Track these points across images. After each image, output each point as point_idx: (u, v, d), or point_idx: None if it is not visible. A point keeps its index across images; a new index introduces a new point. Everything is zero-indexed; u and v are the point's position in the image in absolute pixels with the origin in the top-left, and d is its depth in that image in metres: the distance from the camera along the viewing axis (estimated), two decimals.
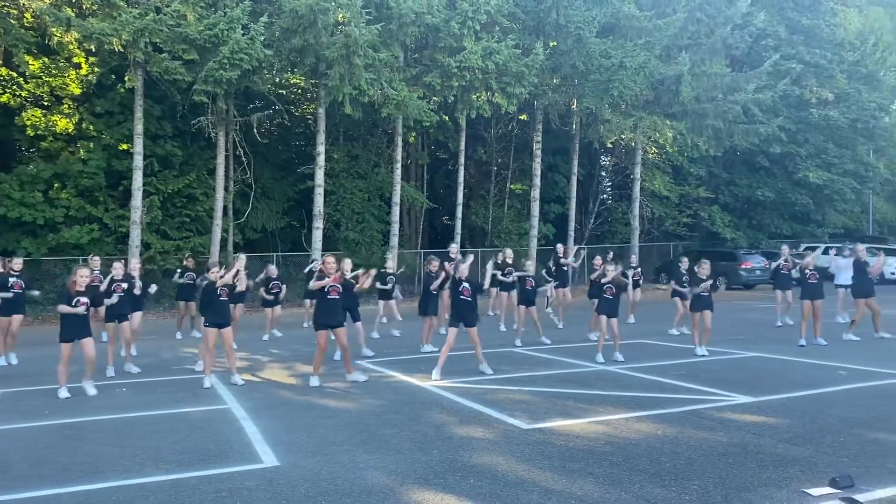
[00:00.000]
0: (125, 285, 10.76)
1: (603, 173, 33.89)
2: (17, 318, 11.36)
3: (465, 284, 9.66)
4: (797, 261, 13.82)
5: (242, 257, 10.28)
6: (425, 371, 9.69)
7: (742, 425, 6.66)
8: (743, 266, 27.52)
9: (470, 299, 9.65)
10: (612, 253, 16.08)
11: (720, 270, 28.60)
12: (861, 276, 12.65)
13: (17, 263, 11.56)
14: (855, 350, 11.24)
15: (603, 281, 10.99)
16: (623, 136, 28.37)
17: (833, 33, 34.76)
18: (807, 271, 12.30)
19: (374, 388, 8.92)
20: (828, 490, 4.83)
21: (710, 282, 11.36)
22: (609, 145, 30.55)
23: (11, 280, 11.20)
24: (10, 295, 11.12)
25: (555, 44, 24.96)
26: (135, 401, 8.51)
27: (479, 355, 9.85)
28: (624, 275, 12.92)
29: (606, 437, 6.36)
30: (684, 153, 30.85)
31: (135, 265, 11.41)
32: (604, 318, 10.80)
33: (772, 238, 34.23)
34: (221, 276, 9.43)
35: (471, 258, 10.03)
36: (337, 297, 9.33)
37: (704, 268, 11.38)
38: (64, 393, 8.72)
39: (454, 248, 15.11)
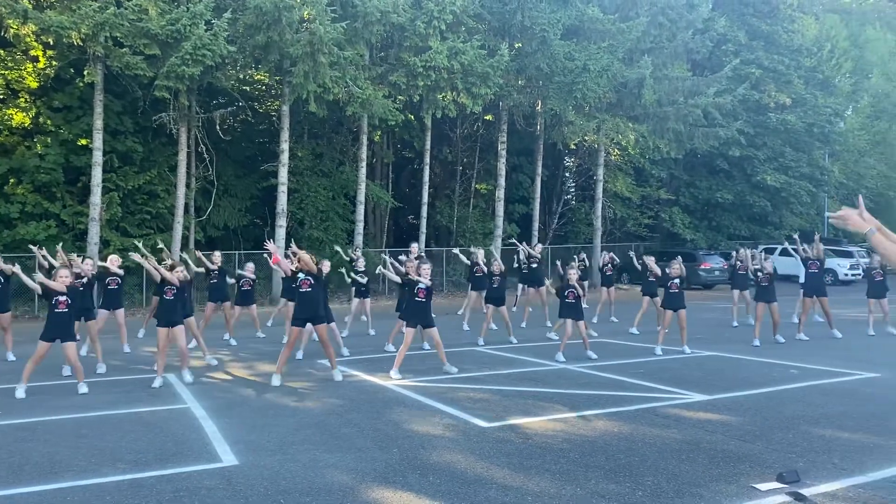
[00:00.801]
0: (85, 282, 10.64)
1: (567, 174, 34.20)
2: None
3: (421, 286, 9.70)
4: (756, 266, 13.91)
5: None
6: (388, 370, 9.71)
7: (696, 423, 6.83)
8: (702, 266, 28.10)
9: (424, 300, 9.70)
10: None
11: None
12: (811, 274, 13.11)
13: None
14: (807, 349, 11.56)
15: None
16: (586, 138, 28.68)
17: (791, 39, 35.59)
18: (759, 274, 12.61)
19: (336, 387, 8.92)
20: (775, 485, 4.99)
21: (678, 279, 11.58)
22: (572, 146, 30.85)
23: None
24: None
25: (520, 45, 25.17)
26: (93, 400, 8.39)
27: (442, 356, 9.90)
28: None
29: (564, 435, 6.47)
30: (646, 155, 31.31)
31: (89, 264, 11.20)
32: (568, 321, 10.95)
33: (730, 239, 34.96)
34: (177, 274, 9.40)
35: (428, 266, 10.03)
36: (309, 289, 9.28)
37: (675, 267, 11.61)
38: (20, 393, 8.57)
39: (415, 248, 15.15)
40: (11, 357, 11.24)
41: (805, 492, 4.84)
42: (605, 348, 11.90)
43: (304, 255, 9.36)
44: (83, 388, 8.80)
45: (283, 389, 8.89)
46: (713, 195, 34.04)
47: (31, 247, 12.71)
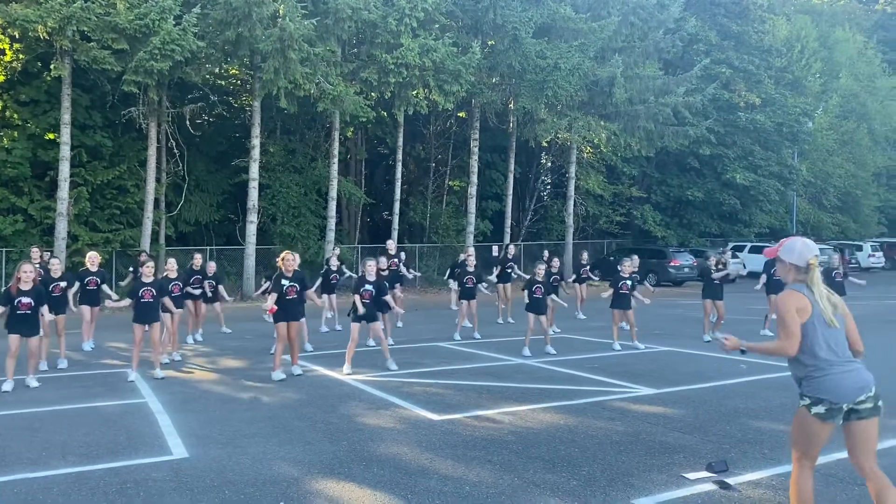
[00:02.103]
0: (63, 284, 10.64)
1: (539, 171, 34.43)
2: None
3: (368, 287, 9.80)
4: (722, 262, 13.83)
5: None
6: (354, 365, 9.77)
7: (640, 415, 7.03)
8: (672, 263, 28.52)
9: (368, 301, 9.79)
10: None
11: (650, 268, 29.62)
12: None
13: None
14: None
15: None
16: (558, 136, 28.93)
17: (761, 40, 36.14)
18: (712, 270, 12.83)
19: (295, 383, 9.02)
20: (704, 474, 5.19)
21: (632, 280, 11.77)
22: (544, 144, 31.07)
23: None
24: None
25: (492, 42, 25.33)
26: (51, 395, 8.42)
27: (385, 352, 10.04)
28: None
29: (510, 427, 6.64)
30: (618, 153, 31.64)
31: (56, 263, 11.15)
32: (532, 315, 11.13)
33: (701, 237, 35.47)
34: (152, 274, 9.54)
35: (373, 262, 10.14)
36: (295, 296, 9.42)
37: (627, 265, 11.82)
38: (8, 386, 8.57)
39: (391, 245, 15.22)
40: None
41: (731, 480, 5.04)
42: (566, 344, 12.11)
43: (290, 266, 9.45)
44: (33, 382, 8.84)
45: (242, 385, 8.98)
46: (684, 193, 34.48)
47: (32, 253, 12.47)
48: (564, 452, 5.82)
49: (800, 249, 3.91)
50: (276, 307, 9.24)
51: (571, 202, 30.34)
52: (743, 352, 4.07)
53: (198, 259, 13.22)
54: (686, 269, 28.17)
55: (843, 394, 3.71)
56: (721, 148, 33.66)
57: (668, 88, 28.34)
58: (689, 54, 32.98)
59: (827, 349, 3.77)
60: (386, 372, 9.56)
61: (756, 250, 31.09)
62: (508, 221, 29.20)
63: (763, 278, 13.40)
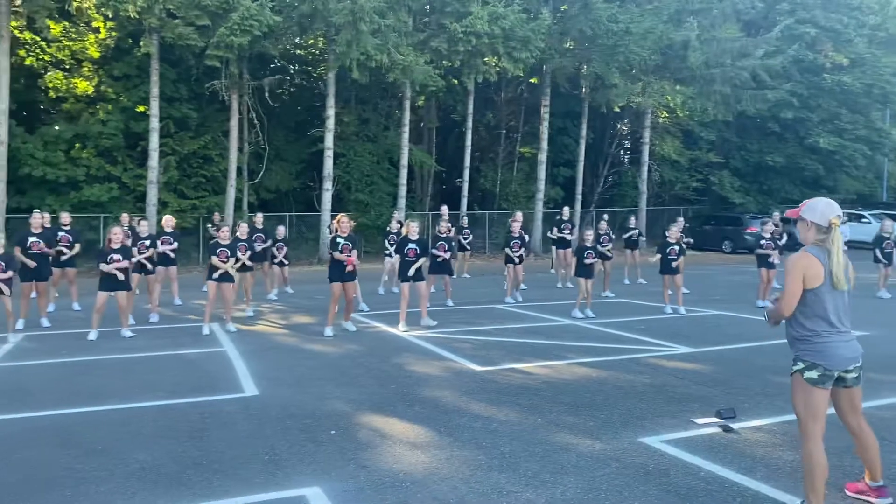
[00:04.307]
0: (147, 243, 11.78)
1: (613, 137, 34.18)
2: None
3: (412, 245, 10.43)
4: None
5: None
6: (410, 323, 10.49)
7: (669, 370, 7.47)
8: (748, 230, 28.03)
9: (413, 259, 10.39)
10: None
11: (726, 234, 29.26)
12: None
13: (66, 218, 12.60)
14: None
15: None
16: (632, 101, 28.67)
17: None
18: (762, 242, 12.85)
19: (357, 337, 9.82)
20: (712, 420, 5.63)
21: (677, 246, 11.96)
22: (617, 109, 30.79)
23: (60, 234, 12.20)
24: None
25: (564, 7, 25.30)
26: (144, 344, 9.49)
27: (423, 310, 10.64)
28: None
29: (545, 378, 7.21)
30: (694, 118, 31.10)
31: (144, 225, 12.27)
32: (582, 280, 11.60)
33: (782, 203, 34.42)
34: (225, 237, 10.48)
35: (415, 224, 10.80)
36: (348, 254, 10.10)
37: (674, 230, 12.05)
38: (93, 336, 9.73)
39: (445, 210, 15.82)
40: (77, 307, 12.55)
41: (736, 426, 5.47)
42: (619, 307, 12.50)
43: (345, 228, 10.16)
44: (127, 333, 9.94)
45: (311, 338, 9.84)
46: (764, 158, 33.56)
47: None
48: (589, 399, 6.36)
49: (822, 209, 3.97)
50: (353, 257, 9.94)
51: (646, 168, 30.12)
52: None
53: (258, 218, 14.27)
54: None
55: (837, 362, 3.86)
56: (804, 111, 32.51)
57: (746, 51, 27.60)
58: (772, 14, 31.85)
59: (833, 316, 3.88)
60: (440, 329, 10.23)
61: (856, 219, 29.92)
62: (580, 188, 29.28)
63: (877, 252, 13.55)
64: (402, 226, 15.82)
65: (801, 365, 3.91)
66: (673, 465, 4.73)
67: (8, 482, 4.64)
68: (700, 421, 5.63)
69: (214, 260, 10.37)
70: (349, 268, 9.94)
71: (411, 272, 10.42)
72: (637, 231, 17.35)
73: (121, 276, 9.82)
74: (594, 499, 4.22)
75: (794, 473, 4.52)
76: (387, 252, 14.76)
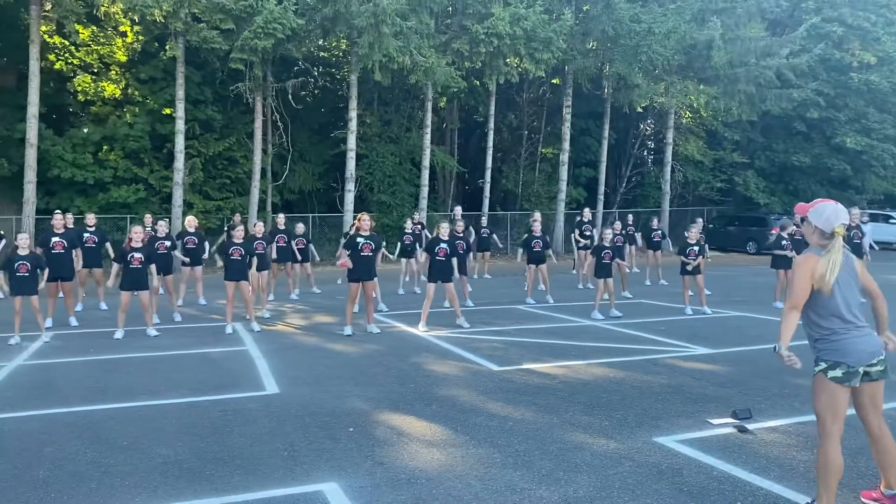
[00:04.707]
0: (168, 243, 12.02)
1: (636, 137, 34.04)
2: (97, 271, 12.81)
3: (443, 245, 10.60)
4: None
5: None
6: (430, 323, 10.57)
7: (686, 371, 7.47)
8: (772, 231, 27.75)
9: (444, 259, 10.56)
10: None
11: (750, 235, 29.04)
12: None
13: (91, 219, 12.88)
14: None
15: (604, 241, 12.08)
16: (655, 101, 28.54)
17: None
18: (783, 242, 12.79)
19: (377, 337, 9.93)
20: (728, 420, 5.65)
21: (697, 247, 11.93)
22: (639, 110, 30.67)
23: (85, 235, 12.46)
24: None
25: (587, 8, 25.26)
26: (169, 343, 9.68)
27: (457, 310, 10.77)
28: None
29: (562, 378, 7.25)
30: (718, 118, 30.88)
31: (162, 225, 12.53)
32: (601, 280, 11.63)
33: (808, 204, 34.09)
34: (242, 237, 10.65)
35: (446, 224, 10.92)
36: (370, 253, 10.20)
37: (693, 231, 12.03)
38: (119, 334, 9.94)
39: (458, 211, 15.91)
40: (104, 307, 12.82)
41: (751, 426, 5.48)
42: (639, 308, 12.49)
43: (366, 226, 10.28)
44: (152, 332, 10.14)
45: (331, 337, 9.97)
46: (790, 158, 33.20)
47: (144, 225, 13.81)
48: (605, 399, 6.40)
49: (828, 215, 3.95)
50: (349, 262, 10.06)
51: (668, 168, 29.95)
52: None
53: (280, 218, 14.46)
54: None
55: (859, 357, 3.84)
56: (831, 111, 32.12)
57: (770, 50, 27.34)
58: (798, 13, 31.52)
59: (847, 312, 3.90)
60: (459, 329, 10.31)
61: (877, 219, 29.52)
62: (602, 188, 29.23)
63: None
64: (421, 227, 16.06)
65: (823, 365, 3.91)
66: (686, 465, 4.76)
67: (37, 475, 4.79)
68: (715, 421, 5.65)
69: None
70: (339, 262, 10.11)
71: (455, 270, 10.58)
72: (660, 231, 17.32)
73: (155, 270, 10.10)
74: (606, 496, 4.27)
75: (807, 474, 4.54)
76: (409, 250, 14.90)
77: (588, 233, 16.80)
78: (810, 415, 3.97)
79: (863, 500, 4.20)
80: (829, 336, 3.91)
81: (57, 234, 11.20)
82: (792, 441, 5.20)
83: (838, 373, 3.86)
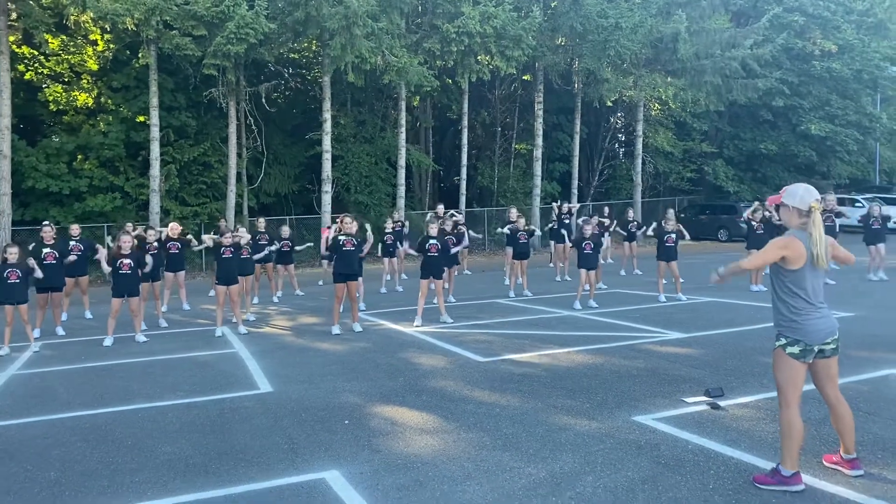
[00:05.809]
0: (156, 250, 12.18)
1: (606, 131, 34.57)
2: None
3: (433, 241, 10.89)
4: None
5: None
6: (412, 320, 10.85)
7: (662, 355, 7.85)
8: (742, 219, 28.40)
9: (436, 255, 10.86)
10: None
11: (721, 223, 29.68)
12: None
13: (75, 229, 12.95)
14: None
15: (585, 234, 12.32)
16: (624, 95, 29.06)
17: None
18: (754, 224, 13.33)
19: (364, 335, 10.19)
20: (701, 398, 6.02)
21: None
22: (609, 104, 31.19)
23: (71, 244, 12.53)
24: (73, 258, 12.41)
25: (554, 4, 25.66)
26: (158, 348, 9.86)
27: (441, 307, 11.09)
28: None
29: (545, 366, 7.59)
30: (687, 109, 31.49)
31: (151, 234, 12.67)
32: (583, 271, 12.00)
33: (776, 190, 34.71)
34: (235, 239, 10.86)
35: (435, 223, 11.24)
36: (352, 248, 10.41)
37: (671, 219, 12.46)
38: (108, 342, 10.10)
39: (440, 209, 16.21)
40: (89, 315, 12.93)
41: (723, 403, 5.86)
42: (615, 298, 12.89)
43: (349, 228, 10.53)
44: (141, 338, 10.31)
45: (318, 336, 10.22)
46: (757, 146, 33.95)
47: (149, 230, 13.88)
48: (586, 384, 6.75)
49: (802, 194, 4.25)
50: (330, 232, 10.34)
51: (639, 160, 30.48)
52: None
53: (261, 222, 14.68)
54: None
55: (817, 336, 4.20)
56: (795, 99, 32.91)
57: (735, 41, 27.98)
58: (760, 4, 32.23)
59: (813, 295, 4.23)
60: (443, 324, 10.61)
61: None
62: (575, 182, 29.67)
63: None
64: (401, 225, 16.34)
65: (784, 340, 4.27)
66: (664, 440, 5.10)
67: (48, 476, 5.00)
68: (690, 400, 6.01)
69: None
70: (325, 234, 10.40)
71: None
72: (635, 223, 17.78)
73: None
74: (591, 471, 4.60)
75: (774, 444, 4.90)
76: (391, 250, 15.20)
77: (567, 221, 17.20)
78: (776, 391, 4.34)
79: (825, 463, 4.57)
80: (793, 315, 4.24)
81: (48, 245, 11.31)
82: (760, 415, 5.58)
83: (796, 349, 4.23)
